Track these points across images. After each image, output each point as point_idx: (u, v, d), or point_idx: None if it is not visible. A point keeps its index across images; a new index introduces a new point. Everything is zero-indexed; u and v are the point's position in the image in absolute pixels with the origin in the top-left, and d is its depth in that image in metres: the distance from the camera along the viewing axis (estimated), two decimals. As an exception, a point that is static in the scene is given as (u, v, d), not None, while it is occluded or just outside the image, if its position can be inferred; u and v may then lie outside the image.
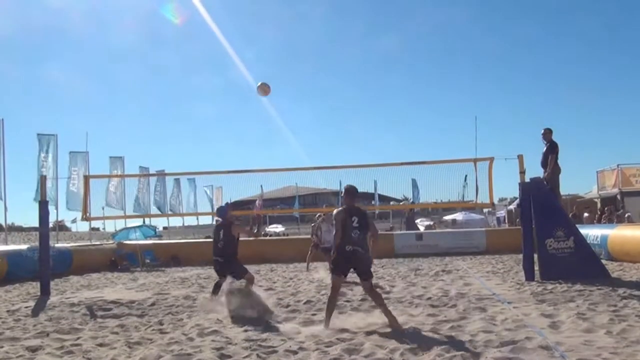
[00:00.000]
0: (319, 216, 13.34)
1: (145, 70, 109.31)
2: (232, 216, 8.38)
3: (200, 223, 43.69)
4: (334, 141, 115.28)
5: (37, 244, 11.44)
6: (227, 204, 9.09)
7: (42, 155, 19.14)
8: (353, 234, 5.95)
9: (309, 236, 15.14)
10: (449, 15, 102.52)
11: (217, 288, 7.92)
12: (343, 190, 6.46)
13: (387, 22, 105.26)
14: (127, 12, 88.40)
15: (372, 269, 6.11)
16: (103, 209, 21.30)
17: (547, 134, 10.48)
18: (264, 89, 9.86)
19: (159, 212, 25.69)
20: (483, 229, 25.34)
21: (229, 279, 7.63)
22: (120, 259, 17.90)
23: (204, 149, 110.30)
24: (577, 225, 10.95)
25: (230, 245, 7.73)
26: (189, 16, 78.28)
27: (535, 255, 9.59)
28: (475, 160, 10.87)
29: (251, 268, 14.73)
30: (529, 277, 9.35)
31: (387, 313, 5.81)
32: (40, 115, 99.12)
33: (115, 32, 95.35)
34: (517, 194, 12.82)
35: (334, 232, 6.34)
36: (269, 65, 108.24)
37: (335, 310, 6.16)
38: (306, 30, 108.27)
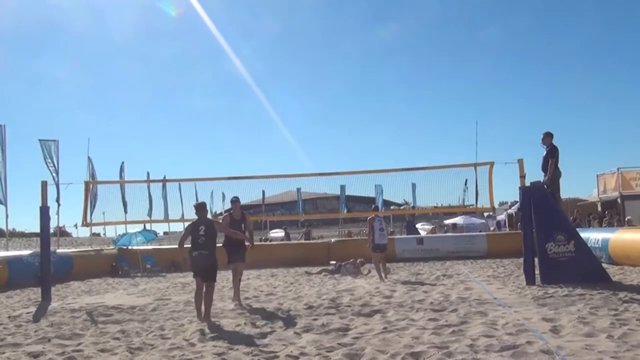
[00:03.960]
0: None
1: (141, 68, 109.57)
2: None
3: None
4: (331, 137, 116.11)
5: (38, 249, 11.44)
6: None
7: (48, 160, 19.24)
8: (199, 240, 7.18)
9: (308, 241, 15.53)
10: (450, 16, 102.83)
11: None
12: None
13: (385, 16, 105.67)
14: (124, 8, 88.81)
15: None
16: (104, 214, 21.30)
17: (547, 138, 10.48)
18: None
19: (159, 218, 25.63)
20: (484, 233, 25.30)
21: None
22: (118, 264, 17.91)
23: (201, 146, 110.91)
24: (577, 229, 10.94)
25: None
26: (185, 11, 78.64)
27: (536, 259, 9.59)
28: (475, 165, 10.90)
29: (252, 273, 14.77)
30: (530, 281, 9.35)
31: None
32: (39, 114, 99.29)
33: (111, 29, 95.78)
34: (517, 197, 12.83)
35: None
36: (266, 60, 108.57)
37: (336, 315, 6.59)
38: (303, 24, 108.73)
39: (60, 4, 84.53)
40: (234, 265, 8.85)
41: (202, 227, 7.26)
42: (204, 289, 7.17)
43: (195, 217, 7.45)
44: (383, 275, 11.65)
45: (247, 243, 8.86)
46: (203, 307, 7.06)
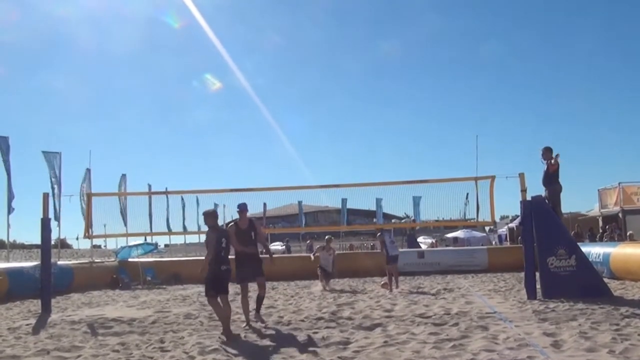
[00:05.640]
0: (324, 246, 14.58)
1: (144, 80, 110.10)
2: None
3: (202, 240, 43.49)
4: (333, 151, 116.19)
5: (39, 261, 11.43)
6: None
7: (52, 172, 19.28)
8: (222, 253, 6.93)
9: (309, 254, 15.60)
10: (452, 31, 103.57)
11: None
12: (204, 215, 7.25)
13: (387, 32, 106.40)
14: (127, 20, 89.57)
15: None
16: (105, 226, 21.27)
17: (547, 152, 10.49)
18: None
19: (160, 230, 25.57)
20: (485, 247, 25.24)
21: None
22: (119, 276, 17.89)
23: (203, 159, 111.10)
24: (578, 244, 10.93)
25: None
26: (188, 24, 79.23)
27: (537, 274, 9.57)
28: (476, 179, 10.90)
29: (251, 286, 14.69)
30: (531, 295, 9.32)
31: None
32: (41, 126, 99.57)
33: (114, 41, 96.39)
34: (518, 211, 12.84)
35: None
36: (269, 74, 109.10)
37: (337, 328, 6.73)
38: (306, 39, 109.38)
39: (64, 17, 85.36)
40: (242, 281, 7.90)
41: (223, 239, 7.04)
42: (221, 301, 7.08)
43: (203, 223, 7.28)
44: (394, 286, 12.03)
45: (262, 254, 8.27)
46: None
